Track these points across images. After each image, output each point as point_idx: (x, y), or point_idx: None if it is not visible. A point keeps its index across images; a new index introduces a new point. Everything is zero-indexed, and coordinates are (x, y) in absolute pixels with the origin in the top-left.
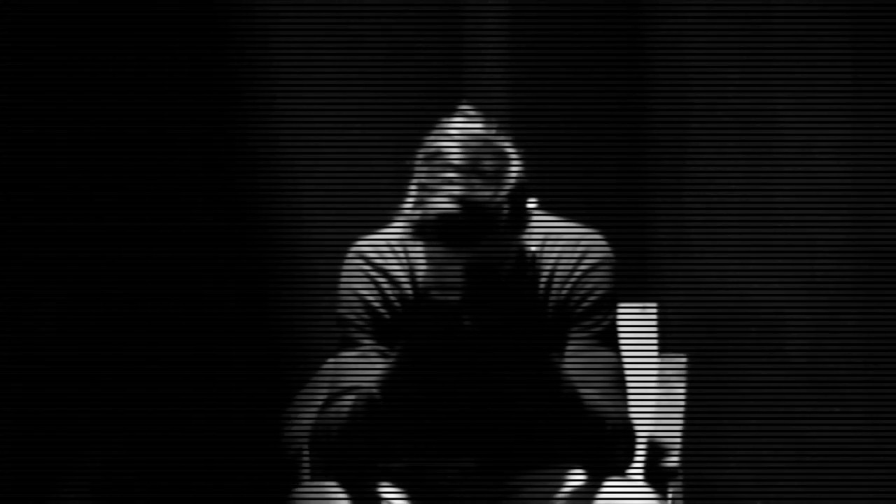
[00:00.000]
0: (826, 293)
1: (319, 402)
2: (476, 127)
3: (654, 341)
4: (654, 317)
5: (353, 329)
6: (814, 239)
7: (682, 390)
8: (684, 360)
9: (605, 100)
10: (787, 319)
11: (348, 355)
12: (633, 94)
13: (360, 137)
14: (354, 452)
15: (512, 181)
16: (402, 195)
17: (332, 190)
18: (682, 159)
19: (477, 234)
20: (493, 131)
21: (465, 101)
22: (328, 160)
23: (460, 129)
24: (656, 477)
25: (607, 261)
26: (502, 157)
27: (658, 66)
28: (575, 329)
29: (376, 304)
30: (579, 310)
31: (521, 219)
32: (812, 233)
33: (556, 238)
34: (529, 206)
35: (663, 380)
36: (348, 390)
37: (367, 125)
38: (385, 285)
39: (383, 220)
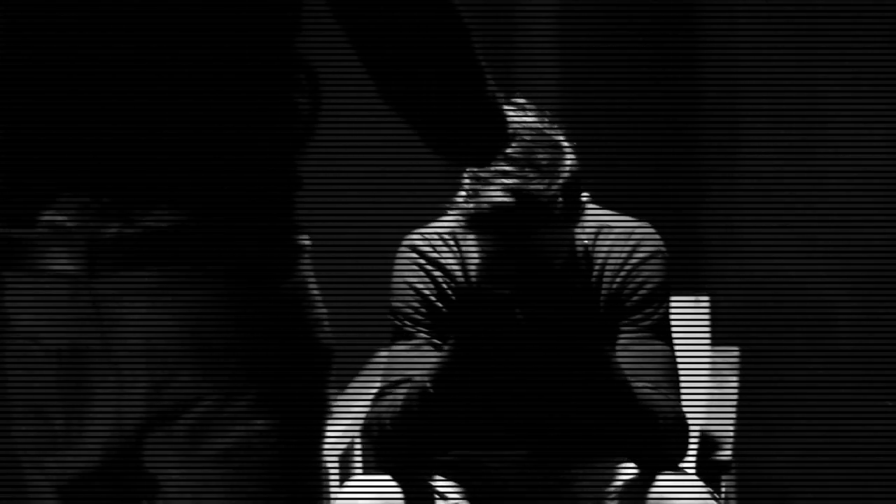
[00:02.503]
0: (878, 285)
1: (372, 395)
2: (530, 119)
3: (707, 334)
4: (707, 309)
5: (406, 321)
6: (866, 230)
7: (734, 383)
8: (737, 352)
9: (657, 93)
10: (838, 311)
11: (401, 347)
12: (686, 87)
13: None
14: (407, 445)
15: (565, 174)
16: (455, 187)
17: (385, 183)
18: (734, 152)
19: (530, 227)
20: (547, 123)
21: (518, 93)
22: (381, 154)
23: (514, 122)
24: (709, 471)
25: (659, 254)
26: (556, 149)
27: (711, 59)
28: (627, 322)
29: (430, 297)
30: (631, 303)
31: (574, 211)
32: (865, 224)
33: (608, 231)
34: (582, 198)
35: (715, 373)
36: (401, 382)
37: None
38: (438, 277)
39: (437, 213)
